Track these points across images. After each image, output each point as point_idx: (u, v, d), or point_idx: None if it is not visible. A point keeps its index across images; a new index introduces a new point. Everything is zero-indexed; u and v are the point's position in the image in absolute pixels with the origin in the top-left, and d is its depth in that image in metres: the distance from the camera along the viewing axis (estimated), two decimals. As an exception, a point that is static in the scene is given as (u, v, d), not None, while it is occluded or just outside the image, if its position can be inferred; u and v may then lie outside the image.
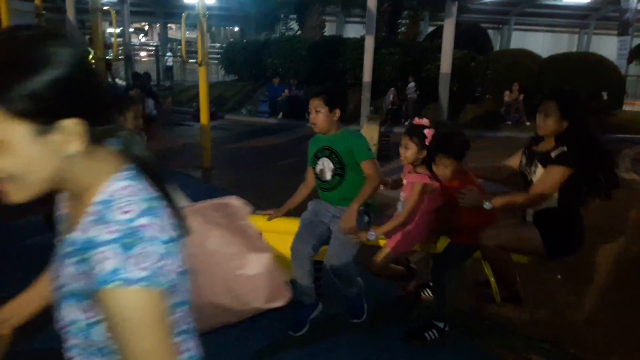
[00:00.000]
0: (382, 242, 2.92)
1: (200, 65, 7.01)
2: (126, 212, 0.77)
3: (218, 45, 26.71)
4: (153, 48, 25.59)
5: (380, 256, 2.87)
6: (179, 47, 13.99)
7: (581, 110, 2.69)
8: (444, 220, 2.88)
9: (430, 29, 20.77)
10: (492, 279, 2.85)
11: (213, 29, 31.92)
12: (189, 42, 20.10)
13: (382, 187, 2.99)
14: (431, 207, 2.86)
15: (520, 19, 24.68)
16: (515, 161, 2.93)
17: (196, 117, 9.43)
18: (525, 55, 14.38)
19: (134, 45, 24.77)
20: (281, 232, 3.06)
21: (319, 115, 2.83)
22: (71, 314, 0.84)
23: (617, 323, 3.19)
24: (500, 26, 25.88)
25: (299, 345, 2.79)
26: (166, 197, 0.86)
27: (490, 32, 21.43)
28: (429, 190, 2.79)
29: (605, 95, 12.79)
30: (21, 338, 1.16)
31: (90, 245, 0.76)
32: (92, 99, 0.79)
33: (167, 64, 23.06)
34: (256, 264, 1.70)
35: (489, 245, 2.67)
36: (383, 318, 3.10)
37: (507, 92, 12.86)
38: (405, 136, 2.82)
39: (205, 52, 6.99)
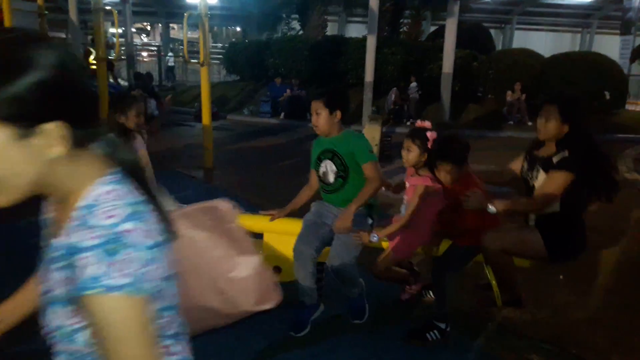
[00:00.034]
0: (384, 245, 2.92)
1: (202, 65, 7.02)
2: (110, 216, 0.76)
3: (220, 45, 26.72)
4: (155, 48, 25.64)
5: (382, 259, 2.87)
6: (181, 47, 13.99)
7: (581, 114, 2.70)
8: (447, 222, 2.88)
9: (432, 28, 20.72)
10: (493, 283, 2.85)
11: (215, 28, 31.94)
12: (191, 42, 20.12)
13: (384, 190, 3.00)
14: (434, 210, 2.85)
15: (522, 19, 24.61)
16: (517, 165, 2.93)
17: (198, 118, 9.44)
18: (528, 55, 14.33)
19: (136, 45, 24.82)
20: (284, 232, 3.08)
21: (320, 118, 2.83)
22: (57, 320, 0.83)
23: (618, 323, 3.19)
24: (503, 26, 25.83)
25: (300, 346, 2.80)
26: (152, 200, 0.85)
27: (492, 31, 21.35)
28: (432, 193, 2.78)
29: (608, 95, 12.76)
30: (11, 341, 1.15)
31: (74, 250, 0.75)
32: (75, 102, 0.78)
33: (169, 64, 23.10)
34: (245, 267, 1.71)
35: (491, 249, 2.68)
36: (384, 318, 3.10)
37: (509, 92, 12.84)
38: (408, 139, 2.82)
39: (207, 52, 6.99)
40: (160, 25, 28.90)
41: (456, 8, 12.20)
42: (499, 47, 21.85)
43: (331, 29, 20.05)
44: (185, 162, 7.65)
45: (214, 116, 9.29)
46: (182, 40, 9.21)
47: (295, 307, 2.92)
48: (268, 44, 14.98)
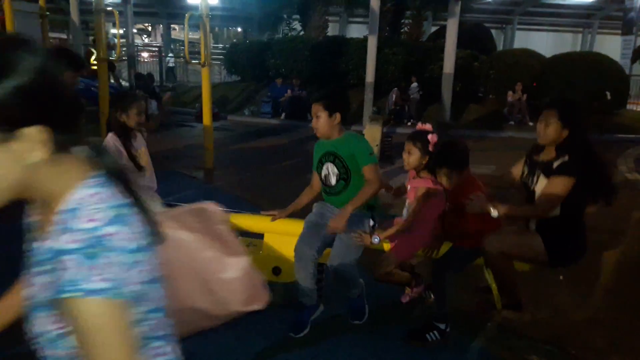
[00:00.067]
0: (386, 247, 2.92)
1: (203, 66, 7.03)
2: (92, 220, 0.76)
3: (221, 46, 26.74)
4: (156, 49, 25.66)
5: (384, 261, 2.87)
6: (182, 47, 13.98)
7: (581, 119, 2.70)
8: (449, 225, 2.88)
9: (433, 28, 20.74)
10: (493, 286, 2.84)
11: (216, 29, 31.98)
12: (192, 43, 20.13)
13: (384, 192, 3.00)
14: (436, 213, 2.85)
15: (523, 19, 24.60)
16: (517, 170, 2.94)
17: (199, 118, 9.45)
18: (529, 55, 14.32)
19: (137, 46, 24.81)
20: (284, 233, 3.08)
21: (319, 121, 2.84)
22: (41, 325, 0.83)
23: (618, 324, 3.19)
24: (504, 26, 25.82)
25: (300, 346, 2.80)
26: (138, 203, 0.84)
27: (493, 31, 21.36)
28: (433, 195, 2.78)
29: (609, 95, 12.74)
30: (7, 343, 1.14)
31: (56, 254, 0.75)
32: (56, 106, 0.77)
33: (170, 64, 23.10)
34: (234, 268, 1.71)
35: (492, 252, 2.68)
36: (384, 319, 3.11)
37: (510, 92, 12.83)
38: (409, 141, 2.81)
39: (208, 52, 7.00)
40: (161, 26, 28.93)
41: (457, 8, 12.20)
42: (500, 47, 21.86)
43: (332, 30, 20.04)
44: (185, 163, 7.66)
45: (215, 117, 9.30)
46: (183, 41, 9.21)
47: (295, 307, 2.93)
48: (269, 44, 14.98)
